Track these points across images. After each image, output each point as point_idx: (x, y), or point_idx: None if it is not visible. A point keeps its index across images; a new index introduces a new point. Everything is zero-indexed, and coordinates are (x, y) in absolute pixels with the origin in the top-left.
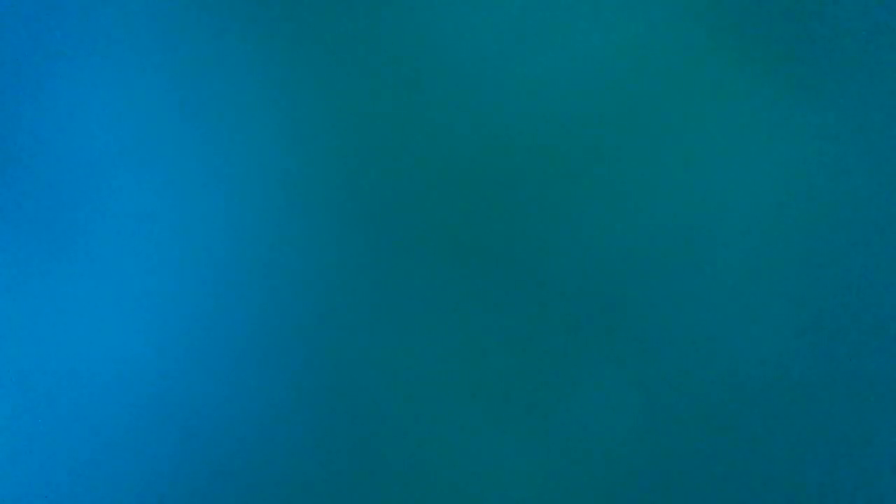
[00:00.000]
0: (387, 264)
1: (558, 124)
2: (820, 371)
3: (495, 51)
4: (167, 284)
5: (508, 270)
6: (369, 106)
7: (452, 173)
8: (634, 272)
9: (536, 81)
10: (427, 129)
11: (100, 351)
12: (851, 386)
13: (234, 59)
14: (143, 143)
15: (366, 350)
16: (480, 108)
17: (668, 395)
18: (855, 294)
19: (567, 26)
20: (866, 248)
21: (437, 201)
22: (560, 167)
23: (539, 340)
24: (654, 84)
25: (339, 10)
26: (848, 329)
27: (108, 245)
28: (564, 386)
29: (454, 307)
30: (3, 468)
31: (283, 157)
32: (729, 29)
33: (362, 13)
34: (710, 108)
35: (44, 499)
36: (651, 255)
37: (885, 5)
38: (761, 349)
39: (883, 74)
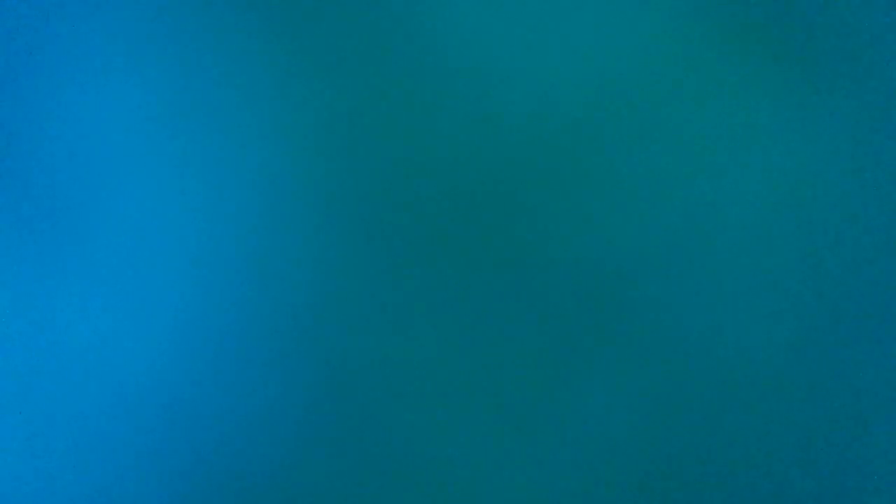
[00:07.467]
0: (388, 264)
1: (559, 124)
2: (821, 370)
3: (496, 50)
4: (167, 284)
5: (510, 270)
6: (369, 106)
7: (454, 172)
8: (637, 271)
9: (537, 81)
10: (428, 129)
11: (101, 351)
12: (853, 385)
13: (232, 59)
14: (142, 143)
15: (366, 351)
16: (481, 107)
17: (669, 394)
18: (856, 292)
19: (568, 26)
20: (867, 247)
21: (439, 200)
22: (561, 166)
23: (540, 339)
24: (655, 83)
25: (339, 10)
26: (849, 328)
27: (109, 245)
28: (565, 385)
29: (454, 306)
30: (3, 469)
31: (286, 158)
32: (730, 28)
33: (362, 13)
34: (711, 107)
35: (44, 499)
36: (653, 254)
37: (885, 5)
38: (763, 348)
39: (883, 74)
